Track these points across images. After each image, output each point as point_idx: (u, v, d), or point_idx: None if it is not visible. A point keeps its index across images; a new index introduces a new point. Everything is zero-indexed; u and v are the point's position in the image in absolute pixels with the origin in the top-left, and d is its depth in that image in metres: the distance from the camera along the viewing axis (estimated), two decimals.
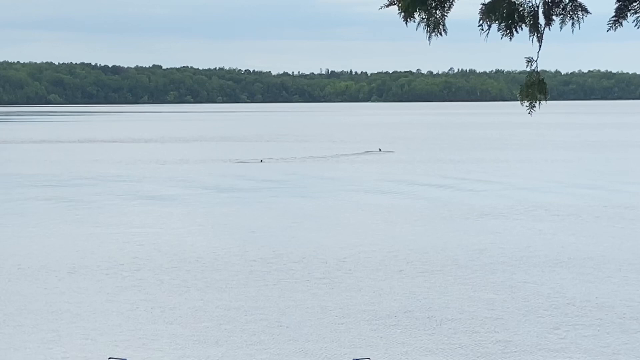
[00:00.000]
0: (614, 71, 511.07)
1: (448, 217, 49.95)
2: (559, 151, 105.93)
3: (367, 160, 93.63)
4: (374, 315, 28.38)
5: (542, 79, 12.81)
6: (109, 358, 17.37)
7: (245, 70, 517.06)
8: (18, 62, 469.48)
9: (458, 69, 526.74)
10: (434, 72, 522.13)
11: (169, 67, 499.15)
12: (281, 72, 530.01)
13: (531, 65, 12.76)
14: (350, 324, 27.30)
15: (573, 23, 12.61)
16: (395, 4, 12.47)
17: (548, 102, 13.35)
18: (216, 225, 48.11)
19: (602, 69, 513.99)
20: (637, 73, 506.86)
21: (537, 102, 12.96)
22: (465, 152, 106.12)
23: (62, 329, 27.17)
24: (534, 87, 12.83)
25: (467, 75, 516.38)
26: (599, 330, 26.53)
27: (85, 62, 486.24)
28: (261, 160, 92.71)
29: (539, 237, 43.14)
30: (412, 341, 25.55)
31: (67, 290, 32.39)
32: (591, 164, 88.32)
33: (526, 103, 12.92)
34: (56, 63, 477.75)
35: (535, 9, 12.64)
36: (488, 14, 12.58)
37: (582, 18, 12.69)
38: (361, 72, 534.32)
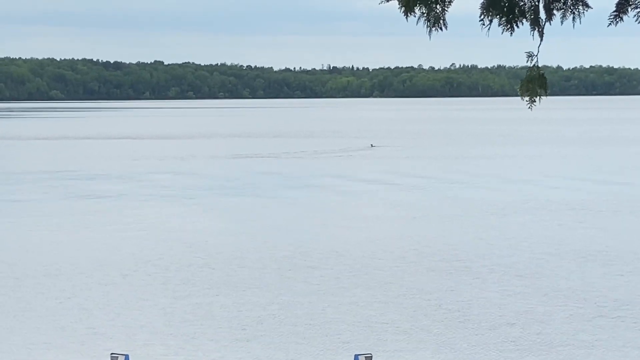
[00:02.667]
0: (615, 66, 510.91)
1: (469, 214, 49.50)
2: (565, 146, 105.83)
3: (374, 156, 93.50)
4: (405, 311, 28.36)
5: (542, 74, 12.80)
6: (111, 354, 17.37)
7: (247, 66, 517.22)
8: (20, 57, 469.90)
9: (460, 65, 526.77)
10: (436, 68, 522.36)
11: (170, 62, 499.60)
12: (283, 67, 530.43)
13: (532, 60, 12.76)
14: (383, 321, 27.28)
15: (574, 18, 12.60)
16: None
17: (550, 97, 13.34)
18: (233, 221, 47.96)
19: (604, 65, 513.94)
20: (639, 68, 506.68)
21: (538, 97, 12.95)
22: (471, 147, 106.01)
23: (66, 325, 27.20)
24: (534, 81, 12.82)
25: (469, 70, 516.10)
26: (634, 325, 26.49)
27: (87, 57, 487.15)
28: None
29: (564, 232, 42.98)
30: (447, 335, 25.55)
31: (74, 288, 32.40)
32: (599, 159, 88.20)
33: (526, 98, 12.91)
34: (58, 59, 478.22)
35: (536, 3, 12.62)
36: (489, 8, 12.57)
37: (583, 13, 12.68)
38: (363, 68, 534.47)
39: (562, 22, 12.61)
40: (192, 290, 31.40)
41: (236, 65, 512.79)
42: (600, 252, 37.66)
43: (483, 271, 34.13)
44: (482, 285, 31.81)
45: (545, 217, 48.05)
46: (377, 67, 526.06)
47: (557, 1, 12.52)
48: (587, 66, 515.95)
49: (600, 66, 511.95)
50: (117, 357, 17.17)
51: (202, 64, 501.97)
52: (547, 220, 46.75)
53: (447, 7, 12.59)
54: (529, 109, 13.05)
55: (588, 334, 25.70)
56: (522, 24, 12.69)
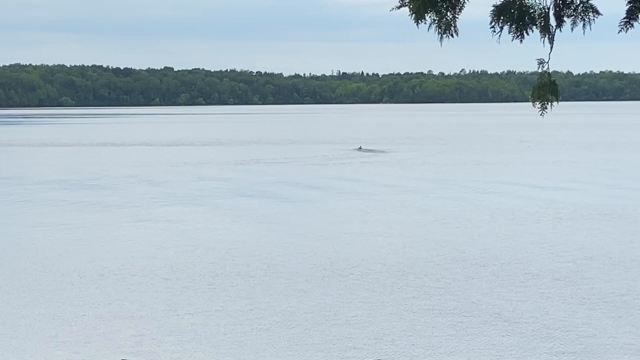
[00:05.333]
0: (625, 72, 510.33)
1: (488, 219, 49.12)
2: (578, 151, 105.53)
3: (385, 162, 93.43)
4: (416, 316, 28.34)
5: (554, 81, 12.82)
6: None
7: (257, 72, 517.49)
8: (30, 64, 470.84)
9: (469, 70, 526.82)
10: (446, 74, 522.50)
11: (180, 69, 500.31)
12: (292, 73, 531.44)
13: (542, 66, 12.77)
14: (393, 327, 27.27)
15: (584, 24, 12.61)
16: (406, 5, 12.49)
17: (560, 103, 13.33)
18: (249, 228, 47.85)
19: (614, 70, 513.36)
20: None
21: (549, 103, 12.96)
22: (484, 153, 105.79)
23: (78, 331, 27.24)
24: (546, 88, 12.83)
25: (479, 76, 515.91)
26: None
27: (97, 64, 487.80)
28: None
29: (589, 238, 42.82)
30: (458, 341, 25.52)
31: (86, 294, 32.44)
32: (615, 164, 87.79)
33: (538, 105, 12.92)
34: (68, 65, 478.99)
35: (546, 10, 12.63)
36: (499, 15, 12.59)
37: (593, 19, 12.69)
38: (372, 74, 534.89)
39: (572, 29, 12.63)
40: (202, 296, 31.41)
41: (246, 72, 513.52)
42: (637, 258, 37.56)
43: (502, 277, 34.05)
44: (498, 291, 31.75)
45: (568, 223, 47.86)
46: (387, 73, 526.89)
47: (567, 8, 12.54)
48: (597, 72, 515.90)
49: (610, 72, 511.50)
50: None
51: (212, 70, 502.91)
52: (571, 226, 46.59)
53: (458, 14, 12.61)
54: (541, 116, 13.06)
55: (626, 338, 25.65)
56: (532, 31, 12.70)
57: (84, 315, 29.04)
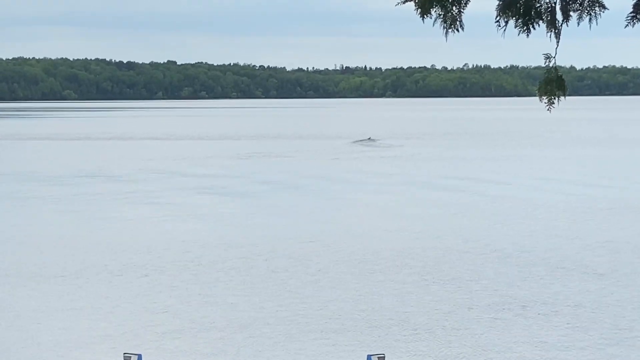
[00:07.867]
0: (629, 67, 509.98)
1: (512, 213, 49.28)
2: (589, 146, 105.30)
3: (398, 156, 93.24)
4: (419, 310, 28.32)
5: (561, 76, 12.79)
6: (124, 354, 17.41)
7: (260, 66, 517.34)
8: (33, 58, 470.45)
9: (473, 65, 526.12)
10: (449, 68, 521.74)
11: (183, 62, 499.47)
12: (296, 67, 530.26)
13: (549, 61, 12.72)
14: (396, 321, 27.27)
15: (590, 19, 12.55)
16: (412, 0, 12.45)
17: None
18: (247, 221, 47.93)
19: (617, 65, 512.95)
20: None
21: (556, 98, 12.93)
22: (495, 147, 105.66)
23: (80, 325, 27.24)
24: (553, 83, 12.80)
25: (482, 70, 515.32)
26: None
27: (100, 57, 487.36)
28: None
29: (609, 231, 42.89)
30: (461, 336, 25.53)
31: (87, 287, 32.45)
32: (627, 159, 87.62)
33: (545, 99, 12.89)
34: (71, 59, 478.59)
35: (553, 5, 12.58)
36: (505, 10, 12.55)
37: (600, 14, 12.63)
38: (375, 68, 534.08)
39: (578, 24, 12.58)
40: (203, 291, 31.41)
41: (249, 65, 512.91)
42: None
43: (530, 269, 34.06)
44: (529, 284, 31.72)
45: (585, 216, 47.96)
46: (390, 67, 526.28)
47: (573, 2, 12.49)
48: (600, 66, 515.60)
49: (614, 66, 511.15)
50: (130, 356, 17.21)
51: (215, 64, 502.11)
52: (588, 219, 46.73)
53: (464, 9, 12.57)
54: (548, 110, 13.05)
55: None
56: (539, 25, 12.65)
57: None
